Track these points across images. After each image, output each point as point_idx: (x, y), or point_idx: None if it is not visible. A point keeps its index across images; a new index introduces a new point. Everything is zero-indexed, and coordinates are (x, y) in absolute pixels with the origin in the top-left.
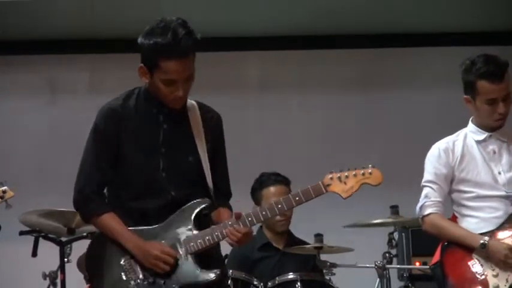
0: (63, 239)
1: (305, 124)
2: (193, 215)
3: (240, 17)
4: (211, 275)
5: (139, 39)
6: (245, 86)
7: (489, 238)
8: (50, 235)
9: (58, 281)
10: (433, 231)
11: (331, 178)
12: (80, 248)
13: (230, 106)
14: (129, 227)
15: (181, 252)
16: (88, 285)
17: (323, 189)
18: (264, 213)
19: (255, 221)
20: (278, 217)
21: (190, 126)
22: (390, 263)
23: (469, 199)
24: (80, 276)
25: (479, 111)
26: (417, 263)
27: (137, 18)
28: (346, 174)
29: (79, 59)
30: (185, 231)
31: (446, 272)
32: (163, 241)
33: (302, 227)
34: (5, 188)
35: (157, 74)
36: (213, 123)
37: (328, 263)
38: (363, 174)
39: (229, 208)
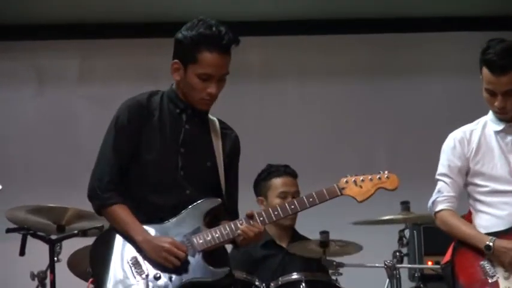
0: (53, 236)
1: (308, 114)
2: (204, 213)
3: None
4: (221, 273)
5: (178, 35)
6: (244, 74)
7: (496, 239)
8: (38, 233)
9: (47, 281)
10: (443, 229)
11: (347, 181)
12: (71, 246)
13: (228, 94)
14: (141, 221)
15: (190, 250)
16: (90, 279)
17: (338, 191)
18: (276, 213)
19: (266, 220)
20: None
21: (210, 133)
22: (401, 262)
23: (483, 193)
24: (71, 276)
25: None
26: (429, 263)
27: (129, 1)
28: (361, 178)
29: (68, 45)
30: (195, 229)
31: (456, 272)
32: (173, 237)
33: (307, 224)
34: None
35: (194, 67)
36: (231, 140)
37: (335, 262)
38: (379, 178)
39: None
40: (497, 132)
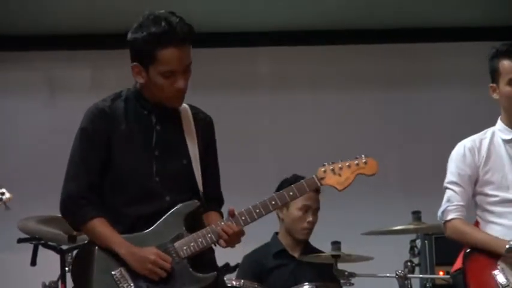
0: (64, 247)
1: (319, 125)
2: (184, 218)
3: (249, 9)
4: (209, 279)
5: (129, 36)
6: (255, 85)
7: None
8: (50, 243)
9: None
10: (456, 237)
11: (325, 171)
12: None
13: (238, 106)
14: (121, 233)
15: (175, 258)
16: None
17: (317, 182)
18: (257, 211)
19: (249, 219)
20: (305, 225)
21: (183, 127)
22: (412, 272)
23: (493, 203)
24: None
25: (503, 98)
26: (441, 273)
27: (142, 11)
28: (339, 165)
29: (80, 56)
30: (177, 236)
31: (467, 280)
32: (155, 246)
33: (319, 234)
34: (3, 190)
35: (155, 67)
36: (205, 126)
37: (346, 273)
38: (357, 164)
39: (221, 214)
40: (506, 141)
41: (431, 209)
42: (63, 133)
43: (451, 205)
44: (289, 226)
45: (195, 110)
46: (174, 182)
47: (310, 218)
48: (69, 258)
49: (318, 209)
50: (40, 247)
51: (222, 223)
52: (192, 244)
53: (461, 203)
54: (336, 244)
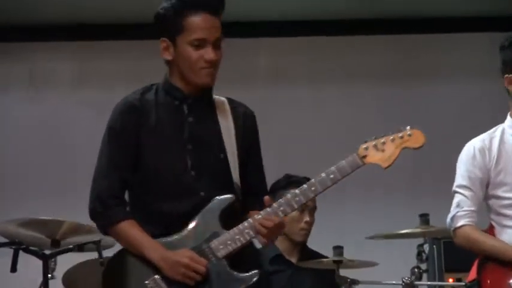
0: (47, 251)
1: (320, 120)
2: (219, 214)
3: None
4: (250, 278)
5: (159, 11)
6: (253, 77)
7: None
8: (31, 247)
9: None
10: (467, 245)
11: (366, 148)
12: (66, 262)
13: (237, 100)
14: (153, 233)
15: (212, 258)
16: None
17: (359, 161)
18: (297, 199)
19: (288, 209)
20: (302, 225)
21: (218, 119)
22: (420, 279)
23: (507, 206)
24: None
25: None
26: (450, 280)
27: (127, 1)
28: (382, 140)
29: (64, 47)
30: (213, 234)
31: None
32: (190, 248)
33: (319, 238)
34: None
35: (183, 37)
36: (246, 120)
37: (349, 279)
38: (401, 137)
39: None
40: None
41: (440, 211)
42: (46, 130)
43: (460, 210)
44: (285, 228)
45: (234, 104)
46: (210, 177)
47: (307, 218)
48: (52, 264)
49: (314, 208)
50: (21, 252)
51: (259, 216)
52: (229, 242)
53: (472, 208)
54: (338, 249)
